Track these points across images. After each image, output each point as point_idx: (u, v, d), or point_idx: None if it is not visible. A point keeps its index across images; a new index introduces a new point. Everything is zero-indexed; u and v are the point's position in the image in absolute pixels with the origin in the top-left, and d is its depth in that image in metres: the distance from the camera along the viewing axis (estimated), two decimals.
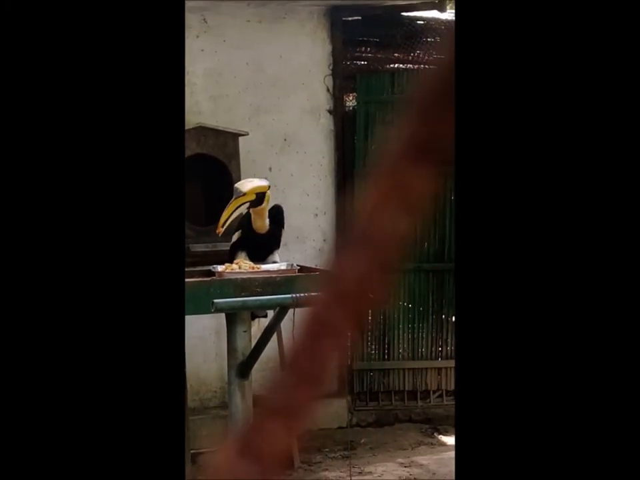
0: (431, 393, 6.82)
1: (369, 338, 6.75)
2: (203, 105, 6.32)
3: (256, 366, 4.48)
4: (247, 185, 4.85)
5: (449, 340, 6.78)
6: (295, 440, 0.80)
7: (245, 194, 4.79)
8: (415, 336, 6.79)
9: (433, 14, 6.68)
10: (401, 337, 6.77)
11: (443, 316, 6.79)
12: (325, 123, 6.64)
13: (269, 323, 4.48)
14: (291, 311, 4.17)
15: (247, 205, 4.80)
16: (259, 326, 4.87)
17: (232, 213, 4.81)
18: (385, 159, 0.74)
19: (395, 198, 0.72)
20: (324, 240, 6.60)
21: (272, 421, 0.76)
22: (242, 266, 4.63)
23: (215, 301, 4.16)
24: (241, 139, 6.08)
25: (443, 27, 6.61)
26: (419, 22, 6.70)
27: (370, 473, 5.76)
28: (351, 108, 6.71)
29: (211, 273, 4.67)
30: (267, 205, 4.86)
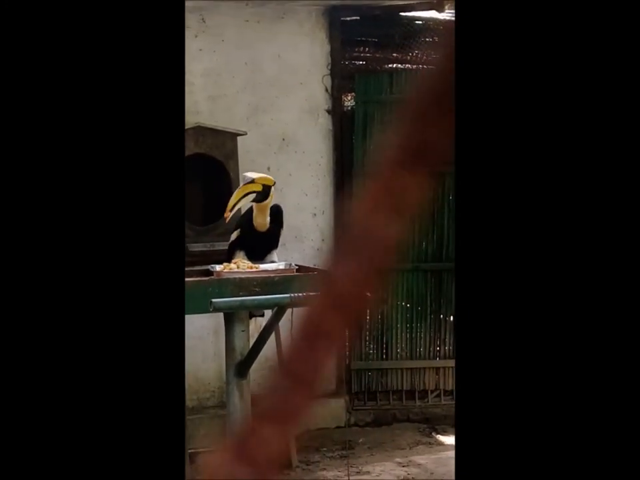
0: (429, 392, 6.82)
1: (367, 338, 6.75)
2: (202, 104, 6.32)
3: (254, 365, 4.48)
4: (255, 174, 4.89)
5: (447, 340, 6.78)
6: (291, 441, 0.80)
7: (253, 180, 4.82)
8: (413, 336, 6.80)
9: (431, 14, 6.68)
10: (399, 336, 6.78)
11: (441, 316, 6.79)
12: (324, 123, 6.64)
13: (267, 323, 4.49)
14: (289, 311, 4.17)
15: (254, 195, 4.82)
16: (255, 325, 4.87)
17: (240, 199, 4.82)
18: (380, 163, 0.74)
19: (389, 201, 0.72)
20: (322, 240, 6.60)
21: (268, 423, 0.76)
22: (240, 265, 4.63)
23: (213, 300, 4.16)
24: (239, 138, 6.08)
25: (441, 27, 6.60)
26: (417, 22, 6.70)
27: (368, 472, 5.77)
28: (349, 108, 6.72)
29: (209, 273, 4.67)
30: (270, 202, 4.88)
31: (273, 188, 4.86)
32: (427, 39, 6.63)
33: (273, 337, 4.86)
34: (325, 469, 5.88)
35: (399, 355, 6.79)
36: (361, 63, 6.75)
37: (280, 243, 5.13)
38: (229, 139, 6.04)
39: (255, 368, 4.51)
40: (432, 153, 0.71)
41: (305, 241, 6.58)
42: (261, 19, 6.41)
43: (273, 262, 4.90)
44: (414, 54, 6.71)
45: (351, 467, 5.66)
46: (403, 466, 5.88)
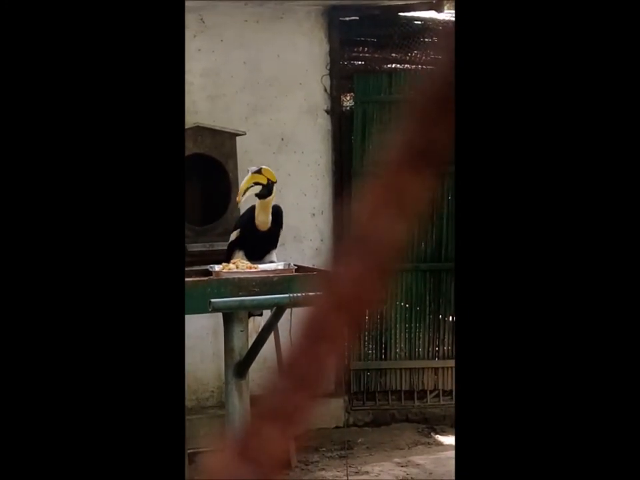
0: (428, 392, 6.82)
1: (366, 338, 6.75)
2: (200, 104, 6.32)
3: (253, 366, 4.48)
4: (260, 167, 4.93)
5: (446, 340, 6.78)
6: (291, 442, 0.80)
7: (260, 170, 4.84)
8: (412, 336, 6.79)
9: (431, 14, 6.68)
10: (398, 336, 6.78)
11: (440, 316, 6.79)
12: (322, 123, 6.64)
13: (266, 323, 4.49)
14: (288, 311, 4.17)
15: (260, 188, 4.83)
16: (254, 324, 4.88)
17: (250, 187, 4.84)
18: (383, 163, 0.74)
19: (391, 201, 0.72)
20: (321, 240, 6.60)
21: (268, 423, 0.76)
22: (239, 265, 4.63)
23: (212, 300, 4.16)
24: (238, 138, 6.08)
25: (440, 27, 6.60)
26: (416, 22, 6.70)
27: (367, 472, 5.77)
28: (348, 108, 6.71)
29: (208, 273, 4.67)
30: (272, 200, 4.90)
31: (275, 186, 4.89)
32: (426, 39, 6.63)
33: (271, 337, 4.86)
34: (323, 469, 5.88)
35: (397, 355, 6.78)
36: (360, 63, 6.75)
37: (279, 243, 5.13)
38: (227, 138, 6.04)
39: (254, 368, 4.51)
40: (435, 153, 0.71)
41: (303, 241, 6.58)
42: (260, 19, 6.41)
43: (272, 262, 4.90)
44: (413, 54, 6.70)
45: (350, 467, 5.65)
46: (402, 466, 5.88)
